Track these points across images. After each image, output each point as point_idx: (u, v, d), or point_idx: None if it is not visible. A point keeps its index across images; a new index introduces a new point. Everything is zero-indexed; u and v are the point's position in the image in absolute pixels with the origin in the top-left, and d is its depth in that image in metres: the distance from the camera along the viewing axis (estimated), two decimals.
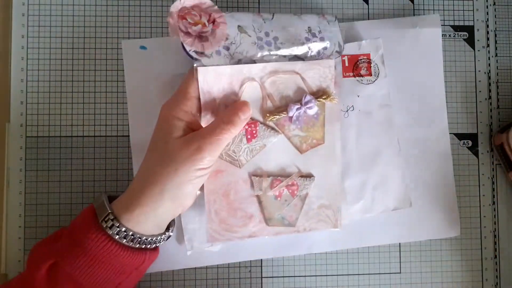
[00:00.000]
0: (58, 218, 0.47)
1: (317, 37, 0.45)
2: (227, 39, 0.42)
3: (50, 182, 0.47)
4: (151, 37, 0.48)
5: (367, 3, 0.50)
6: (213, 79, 0.42)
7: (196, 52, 0.41)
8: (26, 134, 0.47)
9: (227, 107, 0.42)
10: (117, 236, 0.38)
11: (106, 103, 0.48)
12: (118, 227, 0.38)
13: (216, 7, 0.42)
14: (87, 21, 0.48)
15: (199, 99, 0.42)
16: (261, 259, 0.48)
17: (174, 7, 0.41)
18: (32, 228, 0.47)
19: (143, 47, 0.48)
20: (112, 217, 0.38)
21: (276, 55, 0.43)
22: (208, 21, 0.42)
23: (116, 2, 0.49)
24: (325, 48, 0.45)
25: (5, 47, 0.48)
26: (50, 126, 0.48)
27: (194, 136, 0.39)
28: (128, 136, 0.48)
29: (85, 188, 0.47)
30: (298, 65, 0.44)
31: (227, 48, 0.42)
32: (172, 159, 0.38)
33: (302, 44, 0.44)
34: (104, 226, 0.38)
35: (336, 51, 0.46)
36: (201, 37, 0.42)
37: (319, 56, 0.45)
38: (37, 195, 0.47)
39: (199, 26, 0.42)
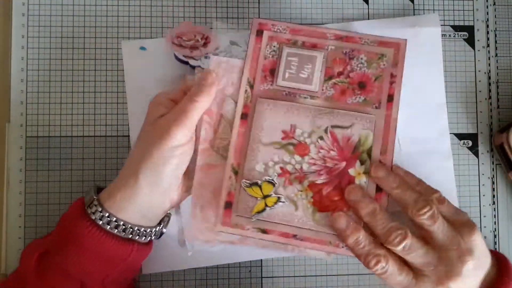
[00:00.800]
0: (58, 218, 0.47)
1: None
2: (217, 49, 0.43)
3: (50, 182, 0.47)
4: (151, 37, 0.48)
5: (367, 3, 0.50)
6: (224, 70, 0.41)
7: (185, 56, 0.42)
8: (26, 134, 0.47)
9: (235, 103, 0.42)
10: (101, 222, 0.38)
11: (106, 103, 0.48)
12: (101, 212, 0.38)
13: (212, 29, 0.44)
14: (87, 21, 0.48)
15: (187, 92, 0.41)
16: (261, 259, 0.48)
17: (171, 32, 0.44)
18: (32, 228, 0.47)
19: (143, 48, 0.48)
20: (96, 203, 0.38)
21: None
22: (201, 38, 0.43)
23: (116, 2, 0.49)
24: None
25: (5, 47, 0.48)
26: (50, 126, 0.48)
27: (165, 116, 0.39)
28: (128, 136, 0.48)
29: (85, 188, 0.47)
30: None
31: (216, 55, 0.43)
32: (146, 142, 0.39)
33: None
34: (89, 212, 0.38)
35: None
36: (192, 47, 0.43)
37: None
38: (37, 195, 0.47)
39: (192, 41, 0.43)
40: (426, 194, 0.38)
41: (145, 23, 0.49)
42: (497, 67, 0.51)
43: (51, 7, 0.48)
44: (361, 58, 0.41)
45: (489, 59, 0.51)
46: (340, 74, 0.41)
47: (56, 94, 0.48)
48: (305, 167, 0.40)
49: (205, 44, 0.44)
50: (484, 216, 0.50)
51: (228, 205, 0.40)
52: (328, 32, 0.42)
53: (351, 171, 0.40)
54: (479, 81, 0.51)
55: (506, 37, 0.51)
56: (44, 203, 0.47)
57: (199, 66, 0.43)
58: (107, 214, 0.38)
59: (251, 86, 0.41)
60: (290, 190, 0.40)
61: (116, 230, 0.38)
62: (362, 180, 0.39)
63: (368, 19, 0.50)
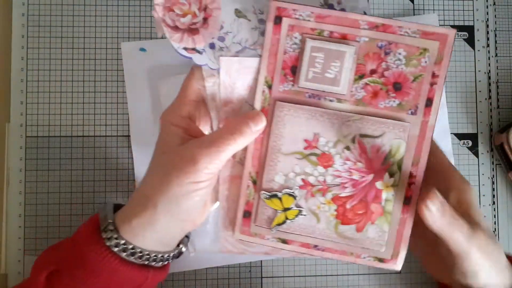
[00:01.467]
0: (58, 218, 0.47)
1: (335, 9, 0.36)
2: (222, 27, 0.36)
3: (50, 182, 0.47)
4: (150, 37, 0.48)
5: (367, 2, 0.50)
6: (237, 72, 0.36)
7: (185, 49, 0.36)
8: (26, 134, 0.47)
9: (252, 108, 0.36)
10: (116, 249, 0.35)
11: (106, 103, 0.48)
12: (116, 239, 0.35)
13: None
14: (87, 21, 0.48)
15: (200, 102, 0.38)
16: (261, 260, 0.48)
17: (158, 2, 0.35)
18: (32, 228, 0.47)
19: (142, 49, 0.48)
20: (111, 228, 0.36)
21: None
22: (198, 9, 0.35)
23: (116, 2, 0.49)
24: None
25: (5, 47, 0.48)
26: (50, 126, 0.48)
27: (190, 144, 0.35)
28: (128, 136, 0.48)
29: (85, 188, 0.47)
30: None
31: (223, 39, 0.36)
32: (165, 171, 0.34)
33: None
34: (104, 237, 0.35)
35: None
36: (191, 29, 0.35)
37: None
38: (37, 195, 0.47)
39: (189, 16, 0.35)
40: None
41: (145, 23, 0.49)
42: (497, 67, 0.51)
43: (51, 7, 0.48)
44: (399, 54, 0.35)
45: (489, 59, 0.51)
46: (373, 72, 0.35)
47: (56, 94, 0.48)
48: (329, 179, 0.36)
49: (205, 21, 0.35)
50: (484, 216, 0.50)
51: (247, 214, 0.38)
52: (361, 19, 0.35)
53: (379, 184, 0.36)
54: (479, 81, 0.51)
55: (506, 37, 0.51)
56: (44, 203, 0.47)
57: (206, 65, 0.36)
58: (123, 242, 0.35)
59: (269, 87, 0.36)
60: (312, 202, 0.37)
61: (132, 257, 0.36)
62: (390, 193, 0.36)
63: None
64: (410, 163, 0.36)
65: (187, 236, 0.41)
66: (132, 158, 0.47)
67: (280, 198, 0.37)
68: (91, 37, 0.48)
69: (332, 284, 0.48)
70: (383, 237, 0.37)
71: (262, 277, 0.48)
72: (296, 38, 0.35)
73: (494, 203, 0.50)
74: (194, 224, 0.38)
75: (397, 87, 0.35)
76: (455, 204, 0.36)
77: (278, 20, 0.35)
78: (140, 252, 0.36)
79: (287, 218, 0.37)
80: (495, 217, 0.50)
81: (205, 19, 0.36)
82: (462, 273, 0.35)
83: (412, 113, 0.35)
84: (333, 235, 0.37)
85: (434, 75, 0.35)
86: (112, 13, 0.49)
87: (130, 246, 0.35)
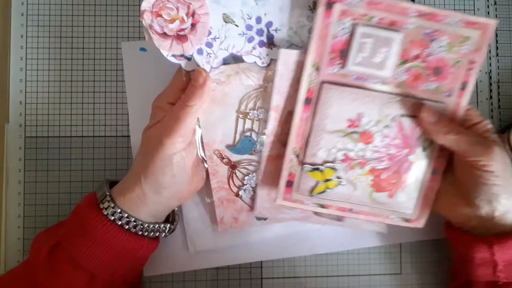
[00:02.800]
0: (57, 218, 0.47)
1: None
2: (210, 33, 0.37)
3: (49, 182, 0.47)
4: None
5: None
6: (294, 65, 0.39)
7: (174, 56, 0.38)
8: (25, 134, 0.47)
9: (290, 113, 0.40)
10: (113, 217, 0.39)
11: (105, 103, 0.48)
12: (113, 208, 0.39)
13: None
14: (87, 21, 0.48)
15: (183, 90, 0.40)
16: (261, 261, 0.48)
17: (147, 2, 0.36)
18: (31, 229, 0.47)
19: (143, 49, 0.48)
20: (108, 199, 0.39)
21: (271, 45, 0.39)
22: (186, 14, 0.36)
23: (116, 2, 0.48)
24: None
25: (4, 47, 0.48)
26: (49, 127, 0.47)
27: (156, 124, 0.40)
28: (127, 136, 0.48)
29: (84, 188, 0.47)
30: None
31: (210, 45, 0.38)
32: (143, 150, 0.40)
33: (302, 27, 0.39)
34: (101, 207, 0.39)
35: None
36: (179, 36, 0.37)
37: None
38: (36, 196, 0.47)
39: (177, 22, 0.36)
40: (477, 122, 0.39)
41: None
42: (498, 67, 0.51)
43: (50, 7, 0.48)
44: (443, 41, 0.38)
45: (490, 59, 0.51)
46: (416, 57, 0.38)
47: (55, 94, 0.48)
48: (368, 154, 0.40)
49: (193, 27, 0.36)
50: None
51: (289, 184, 0.41)
52: (411, 8, 0.37)
53: (412, 158, 0.40)
54: (480, 81, 0.50)
55: (507, 37, 0.51)
56: (43, 204, 0.47)
57: (199, 67, 0.39)
58: (119, 210, 0.39)
59: (317, 69, 0.38)
60: (351, 174, 0.40)
61: (127, 226, 0.39)
62: (420, 165, 0.40)
63: None
64: None
65: (177, 214, 0.45)
66: (132, 158, 0.47)
67: (322, 171, 0.41)
68: (90, 37, 0.48)
69: (332, 285, 0.48)
70: (411, 202, 0.41)
71: (262, 278, 0.48)
72: (346, 23, 0.37)
73: None
74: (181, 200, 0.43)
75: (437, 71, 0.38)
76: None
77: (329, 5, 0.37)
78: (135, 221, 0.39)
79: (327, 188, 0.41)
80: None
81: (193, 25, 0.36)
82: (483, 199, 0.37)
83: (448, 95, 0.39)
84: (367, 201, 0.41)
85: (471, 62, 0.38)
86: (112, 13, 0.48)
87: (125, 215, 0.39)
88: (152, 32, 0.36)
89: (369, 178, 0.41)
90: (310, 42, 0.37)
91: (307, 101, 0.39)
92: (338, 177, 0.41)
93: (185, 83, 0.40)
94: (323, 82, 0.39)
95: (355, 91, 0.39)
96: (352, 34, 0.37)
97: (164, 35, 0.36)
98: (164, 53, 0.37)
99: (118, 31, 0.48)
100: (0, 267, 0.46)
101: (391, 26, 0.37)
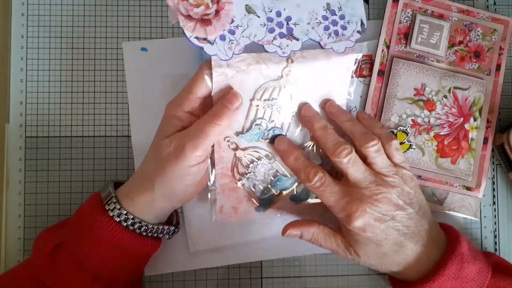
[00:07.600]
0: (58, 218, 0.47)
1: (336, 15, 0.41)
2: (232, 21, 0.39)
3: (49, 182, 0.47)
4: (151, 37, 0.48)
5: (367, 3, 0.50)
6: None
7: (197, 38, 0.38)
8: (25, 134, 0.47)
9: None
10: (118, 219, 0.39)
11: (105, 103, 0.48)
12: (119, 209, 0.39)
13: None
14: (87, 21, 0.48)
15: (205, 99, 0.40)
16: (261, 260, 0.48)
17: None
18: (31, 229, 0.47)
19: (143, 49, 0.48)
20: (114, 200, 0.39)
21: (291, 37, 0.40)
22: (212, 1, 0.38)
23: (116, 2, 0.49)
24: (344, 28, 0.41)
25: (5, 47, 0.48)
26: (49, 127, 0.47)
27: (178, 133, 0.39)
28: (128, 136, 0.48)
29: (85, 188, 0.47)
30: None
31: (233, 32, 0.39)
32: (160, 157, 0.39)
33: (319, 24, 0.41)
34: (107, 208, 0.39)
35: (357, 31, 0.42)
36: (203, 20, 0.38)
37: (337, 37, 0.41)
38: (36, 196, 0.47)
39: (202, 7, 0.38)
40: (384, 138, 0.41)
41: (145, 23, 0.49)
42: None
43: (51, 7, 0.48)
44: (478, 31, 0.48)
45: None
46: (460, 43, 0.48)
47: (56, 94, 0.48)
48: (432, 120, 0.48)
49: (217, 13, 0.38)
50: (484, 216, 0.50)
51: None
52: (453, 5, 0.48)
53: (467, 126, 0.48)
54: None
55: None
56: (44, 204, 0.47)
57: (216, 55, 0.38)
58: (125, 212, 0.39)
59: (388, 46, 0.48)
60: (419, 139, 0.48)
61: (132, 228, 0.40)
62: (474, 134, 0.48)
63: (369, 19, 0.50)
64: (487, 111, 0.48)
65: (180, 217, 0.45)
66: (133, 158, 0.47)
67: (395, 134, 0.47)
68: (90, 37, 0.48)
69: (332, 284, 0.48)
70: (470, 169, 0.48)
71: (262, 278, 0.48)
72: (408, 13, 0.48)
73: (494, 203, 0.50)
74: (183, 202, 0.43)
75: (477, 54, 0.49)
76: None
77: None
78: (140, 223, 0.40)
79: None
80: (495, 217, 0.50)
81: (217, 12, 0.38)
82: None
83: (487, 74, 0.49)
84: (433, 167, 0.48)
85: (500, 48, 0.49)
86: (112, 13, 0.48)
87: (131, 217, 0.39)
88: (178, 14, 0.37)
89: (434, 143, 0.47)
90: (381, 26, 0.48)
91: (380, 73, 0.48)
92: (409, 141, 0.47)
93: (206, 93, 0.39)
94: (393, 57, 0.48)
95: (418, 65, 0.48)
96: (413, 20, 0.48)
97: (189, 17, 0.38)
98: (188, 33, 0.37)
99: (118, 31, 0.48)
100: (0, 267, 0.46)
101: (440, 17, 0.48)
